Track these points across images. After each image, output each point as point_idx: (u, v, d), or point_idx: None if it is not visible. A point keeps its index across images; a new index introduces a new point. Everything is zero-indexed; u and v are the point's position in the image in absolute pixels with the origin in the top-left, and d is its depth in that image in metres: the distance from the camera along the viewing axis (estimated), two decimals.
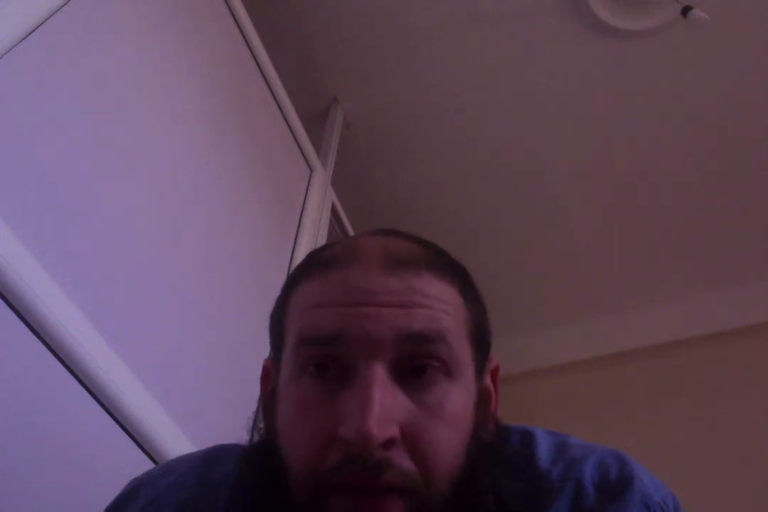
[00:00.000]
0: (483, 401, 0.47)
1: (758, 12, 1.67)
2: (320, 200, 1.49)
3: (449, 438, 0.41)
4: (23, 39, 0.67)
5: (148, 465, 0.68)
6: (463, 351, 0.44)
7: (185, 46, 1.04)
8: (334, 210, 1.60)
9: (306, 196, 1.43)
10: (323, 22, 1.75)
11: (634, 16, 1.68)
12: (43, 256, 0.60)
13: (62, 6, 0.74)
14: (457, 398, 0.43)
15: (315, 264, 0.47)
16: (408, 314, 0.42)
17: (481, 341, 0.47)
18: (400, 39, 1.77)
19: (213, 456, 0.52)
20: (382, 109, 1.91)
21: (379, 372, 0.40)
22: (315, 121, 1.84)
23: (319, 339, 0.42)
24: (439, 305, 0.43)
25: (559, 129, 1.92)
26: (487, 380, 0.49)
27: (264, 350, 1.08)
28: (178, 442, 0.72)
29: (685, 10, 1.53)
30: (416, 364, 0.42)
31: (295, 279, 0.47)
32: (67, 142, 0.70)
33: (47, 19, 0.71)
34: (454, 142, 1.96)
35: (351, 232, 1.70)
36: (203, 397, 0.83)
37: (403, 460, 0.39)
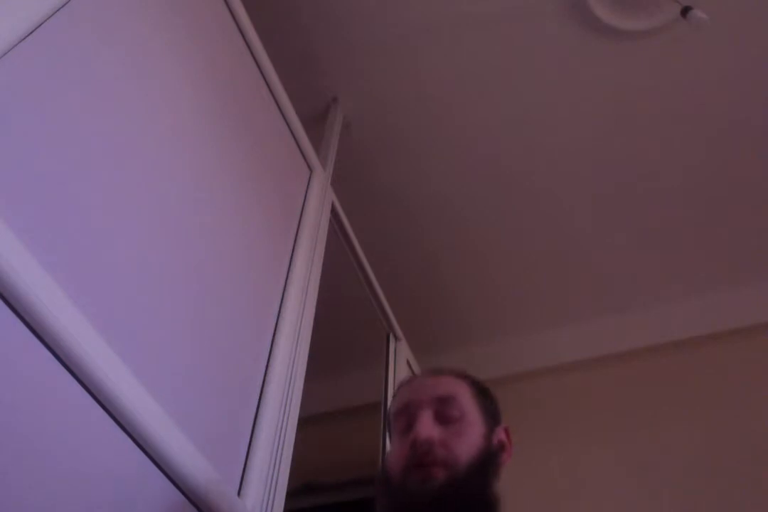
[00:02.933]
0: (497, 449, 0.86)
1: (758, 12, 1.67)
2: (320, 200, 1.49)
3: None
4: (23, 39, 0.67)
5: (147, 465, 0.68)
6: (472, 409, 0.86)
7: (184, 47, 1.04)
8: (334, 210, 1.60)
9: (306, 196, 1.43)
10: (323, 22, 1.75)
11: (634, 17, 1.68)
12: (43, 256, 0.60)
13: (62, 6, 0.74)
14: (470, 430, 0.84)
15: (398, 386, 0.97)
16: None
17: (487, 411, 0.88)
18: (400, 39, 1.77)
19: None
20: (382, 109, 1.91)
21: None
22: (315, 121, 1.84)
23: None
24: (454, 386, 0.89)
25: (559, 129, 1.93)
26: (501, 434, 0.88)
27: (264, 350, 1.09)
28: (178, 442, 0.72)
29: (685, 11, 1.53)
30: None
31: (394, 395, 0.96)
32: (67, 141, 0.70)
33: (47, 18, 0.71)
34: (454, 141, 1.96)
35: (351, 232, 1.70)
36: (203, 397, 0.83)
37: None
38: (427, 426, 0.80)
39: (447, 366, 0.97)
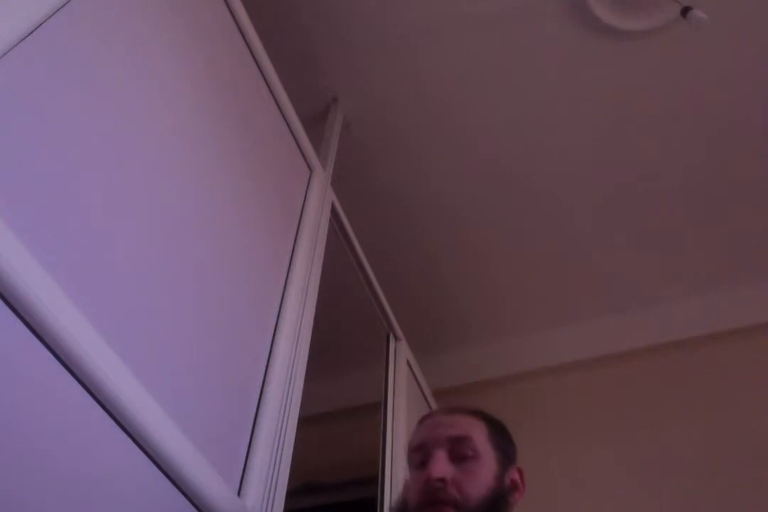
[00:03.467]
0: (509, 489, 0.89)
1: (758, 12, 1.67)
2: (320, 200, 1.49)
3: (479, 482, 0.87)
4: (23, 39, 0.67)
5: (147, 466, 0.68)
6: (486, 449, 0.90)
7: (184, 47, 1.04)
8: (334, 210, 1.60)
9: (306, 196, 1.43)
10: (323, 22, 1.75)
11: (634, 17, 1.68)
12: (43, 256, 0.60)
13: (62, 6, 0.74)
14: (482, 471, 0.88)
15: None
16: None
17: (501, 451, 0.91)
18: (400, 39, 1.77)
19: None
20: (382, 109, 1.91)
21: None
22: (315, 121, 1.84)
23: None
24: (470, 426, 0.92)
25: (559, 129, 1.92)
26: (515, 474, 0.91)
27: (264, 350, 1.09)
28: (178, 442, 0.72)
29: (685, 11, 1.53)
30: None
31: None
32: (67, 141, 0.70)
33: (47, 18, 0.71)
34: (454, 141, 1.96)
35: (351, 232, 1.70)
36: (203, 397, 0.83)
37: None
38: (440, 466, 0.85)
39: (465, 404, 1.01)
